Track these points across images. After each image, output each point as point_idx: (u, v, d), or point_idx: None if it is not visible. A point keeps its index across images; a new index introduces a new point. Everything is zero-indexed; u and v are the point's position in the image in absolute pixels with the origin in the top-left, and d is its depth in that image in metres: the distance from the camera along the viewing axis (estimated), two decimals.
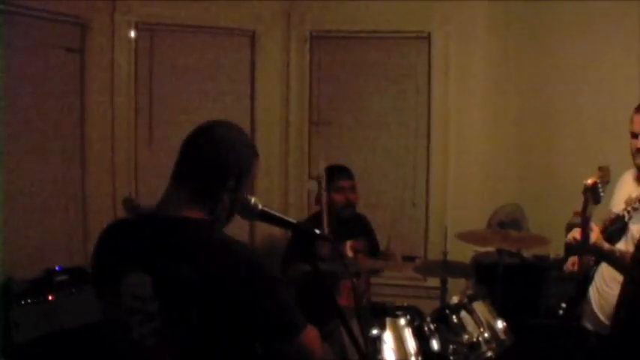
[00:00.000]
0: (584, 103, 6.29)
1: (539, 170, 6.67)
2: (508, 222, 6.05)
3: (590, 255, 4.46)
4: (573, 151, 6.43)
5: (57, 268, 5.47)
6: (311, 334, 2.65)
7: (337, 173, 5.95)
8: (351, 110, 7.01)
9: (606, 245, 4.19)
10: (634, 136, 4.35)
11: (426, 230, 6.90)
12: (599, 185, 3.99)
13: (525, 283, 6.00)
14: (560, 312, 4.83)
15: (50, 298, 5.22)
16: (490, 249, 5.91)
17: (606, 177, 4.07)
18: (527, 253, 6.23)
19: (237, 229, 6.53)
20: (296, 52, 6.94)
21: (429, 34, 6.85)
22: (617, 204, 4.49)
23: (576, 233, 4.24)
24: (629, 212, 4.35)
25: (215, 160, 2.74)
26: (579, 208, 5.51)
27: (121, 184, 6.19)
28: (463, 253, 6.13)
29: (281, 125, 6.97)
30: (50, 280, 5.37)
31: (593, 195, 4.01)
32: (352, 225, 5.95)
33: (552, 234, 4.63)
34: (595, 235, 4.14)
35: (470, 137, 6.89)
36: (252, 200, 2.70)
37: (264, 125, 6.90)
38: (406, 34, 6.91)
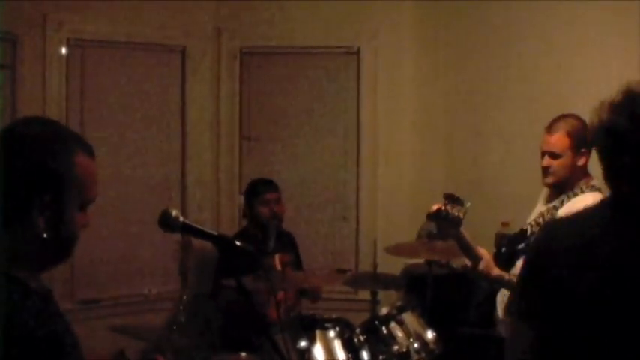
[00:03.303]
0: (513, 120, 6.39)
1: (467, 183, 6.75)
2: (437, 234, 6.14)
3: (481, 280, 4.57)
4: (500, 165, 6.53)
5: None
6: None
7: (262, 186, 6.03)
8: (282, 125, 7.06)
9: (495, 271, 4.19)
10: (542, 154, 4.41)
11: (357, 243, 6.97)
12: (447, 209, 3.99)
13: (454, 292, 6.09)
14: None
15: None
16: (420, 260, 5.99)
17: (455, 201, 4.08)
18: (456, 264, 6.31)
19: (169, 244, 6.63)
20: (226, 67, 6.97)
21: (358, 49, 6.94)
22: (529, 220, 4.63)
23: (468, 261, 4.28)
24: (532, 226, 4.50)
25: (11, 170, 2.20)
26: (506, 219, 5.66)
27: None
28: (395, 264, 6.19)
29: (212, 141, 6.98)
30: None
31: (444, 221, 4.03)
32: (279, 240, 6.01)
33: (481, 244, 4.69)
34: (483, 263, 4.15)
35: (399, 151, 6.99)
36: (174, 213, 2.59)
37: (195, 141, 6.91)
38: (335, 49, 7.00)
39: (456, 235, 4.14)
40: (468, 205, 4.03)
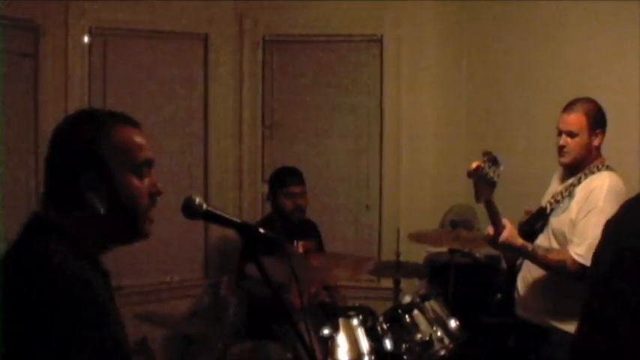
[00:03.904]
0: (536, 107, 6.36)
1: None
2: (460, 222, 6.10)
3: (504, 250, 4.59)
4: (524, 153, 6.49)
5: None
6: None
7: (288, 178, 6.01)
8: (304, 113, 7.06)
9: (519, 241, 4.29)
10: (559, 133, 4.51)
11: (380, 232, 6.96)
12: (485, 167, 4.02)
13: (477, 281, 6.07)
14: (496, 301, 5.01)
15: None
16: (443, 249, 5.98)
17: (492, 160, 4.08)
18: (479, 253, 6.29)
19: (192, 231, 6.64)
20: (249, 55, 6.97)
21: (381, 37, 6.92)
22: (545, 200, 4.69)
23: (491, 229, 4.31)
24: (551, 204, 4.57)
25: (54, 153, 2.37)
26: (530, 207, 5.63)
27: None
28: (417, 253, 6.19)
29: (234, 129, 6.99)
30: None
31: (482, 179, 4.04)
32: (301, 228, 6.01)
33: None
34: (507, 231, 4.23)
35: (422, 139, 6.98)
36: (197, 200, 2.55)
37: (218, 129, 6.92)
38: (358, 37, 6.99)
39: (488, 198, 4.14)
40: (502, 168, 4.07)
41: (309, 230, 6.18)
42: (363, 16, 6.90)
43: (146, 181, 2.45)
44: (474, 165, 4.04)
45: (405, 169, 6.94)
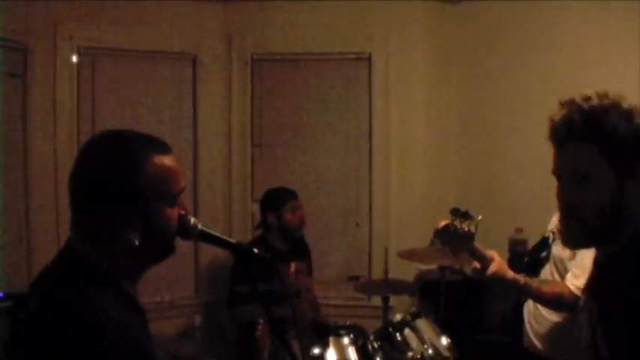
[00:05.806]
0: (525, 123, 6.37)
1: (480, 189, 6.74)
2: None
3: (492, 285, 4.36)
4: (514, 171, 6.51)
5: (1, 294, 5.41)
6: None
7: (286, 195, 5.99)
8: (294, 132, 7.04)
9: (509, 274, 3.84)
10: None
11: (370, 250, 6.95)
12: (456, 224, 3.64)
13: (468, 299, 6.06)
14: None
15: None
16: (433, 266, 5.97)
17: (463, 215, 3.83)
18: (469, 270, 6.26)
19: (182, 251, 6.60)
20: (237, 74, 6.97)
21: (370, 54, 6.92)
22: (549, 229, 4.51)
23: (477, 264, 3.87)
24: (553, 234, 4.38)
25: (86, 183, 2.30)
26: (520, 225, 5.61)
27: (63, 210, 6.08)
28: (408, 271, 6.17)
29: (223, 148, 6.99)
30: None
31: (454, 237, 3.66)
32: (298, 247, 5.99)
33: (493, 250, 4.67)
34: (496, 265, 3.78)
35: (411, 157, 6.97)
36: (192, 220, 2.50)
37: (207, 148, 6.92)
38: (347, 55, 6.97)
39: (470, 250, 3.78)
40: (479, 217, 3.71)
41: (303, 251, 6.16)
42: (351, 34, 6.90)
43: (177, 208, 2.42)
44: (442, 224, 3.69)
45: (394, 187, 6.92)
